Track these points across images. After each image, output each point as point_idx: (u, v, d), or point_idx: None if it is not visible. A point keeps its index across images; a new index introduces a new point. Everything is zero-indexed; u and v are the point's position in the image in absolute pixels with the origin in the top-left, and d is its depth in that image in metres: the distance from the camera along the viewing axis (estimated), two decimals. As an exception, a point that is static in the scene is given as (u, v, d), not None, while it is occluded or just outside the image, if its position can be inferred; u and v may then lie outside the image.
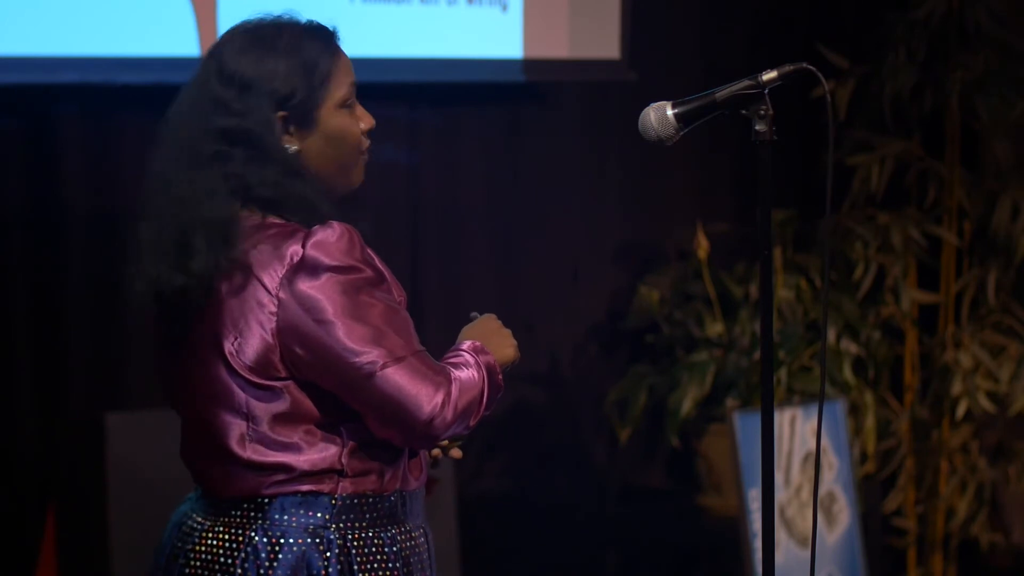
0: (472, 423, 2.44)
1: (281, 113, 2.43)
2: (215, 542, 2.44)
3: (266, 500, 2.42)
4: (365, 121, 2.52)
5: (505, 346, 2.56)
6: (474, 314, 2.63)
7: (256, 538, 2.41)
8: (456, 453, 2.67)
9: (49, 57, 3.96)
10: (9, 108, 4.11)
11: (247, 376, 2.39)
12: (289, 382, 2.39)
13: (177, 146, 2.44)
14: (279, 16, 2.49)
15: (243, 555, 2.41)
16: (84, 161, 4.20)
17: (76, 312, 4.19)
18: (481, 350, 2.49)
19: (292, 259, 2.36)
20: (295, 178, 2.42)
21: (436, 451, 2.66)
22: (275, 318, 2.36)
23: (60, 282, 4.18)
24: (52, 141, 4.16)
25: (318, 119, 2.45)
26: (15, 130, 4.14)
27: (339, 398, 2.39)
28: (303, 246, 2.36)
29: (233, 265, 2.38)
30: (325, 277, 2.35)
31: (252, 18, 2.49)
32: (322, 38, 2.48)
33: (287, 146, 2.44)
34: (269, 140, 2.42)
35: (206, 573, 2.44)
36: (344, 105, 2.47)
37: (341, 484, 2.42)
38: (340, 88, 2.47)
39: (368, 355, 2.34)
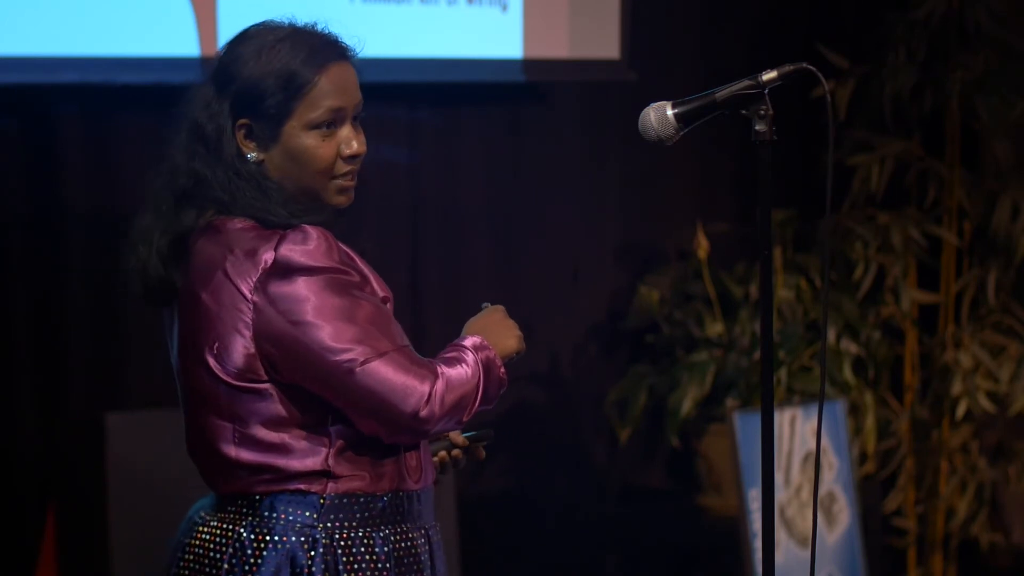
0: (465, 418, 2.44)
1: (243, 120, 2.42)
2: (208, 536, 2.46)
3: (257, 497, 2.43)
4: (350, 146, 2.45)
5: (507, 337, 2.55)
6: (485, 304, 2.62)
7: (244, 534, 2.43)
8: (480, 453, 2.67)
9: (49, 57, 3.96)
10: (9, 108, 4.11)
11: (230, 381, 2.40)
12: (273, 385, 2.40)
13: (176, 134, 2.47)
14: (295, 23, 2.46)
15: (231, 550, 2.43)
16: (84, 161, 4.20)
17: (76, 312, 4.19)
18: (481, 346, 2.49)
19: (266, 263, 2.36)
20: (246, 182, 2.41)
21: (456, 452, 2.65)
22: (252, 322, 2.37)
23: (60, 282, 4.18)
24: (52, 141, 4.16)
25: (280, 135, 2.42)
26: (15, 130, 4.14)
27: (324, 399, 2.40)
28: (275, 250, 2.36)
29: (184, 276, 2.42)
30: (298, 279, 2.36)
31: (274, 20, 2.47)
32: (312, 53, 2.42)
33: (249, 154, 2.42)
34: (222, 145, 2.41)
35: (197, 567, 2.46)
36: (315, 127, 2.42)
37: (330, 485, 2.43)
38: (313, 109, 2.41)
39: (348, 352, 2.34)
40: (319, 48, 2.44)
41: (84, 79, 4.03)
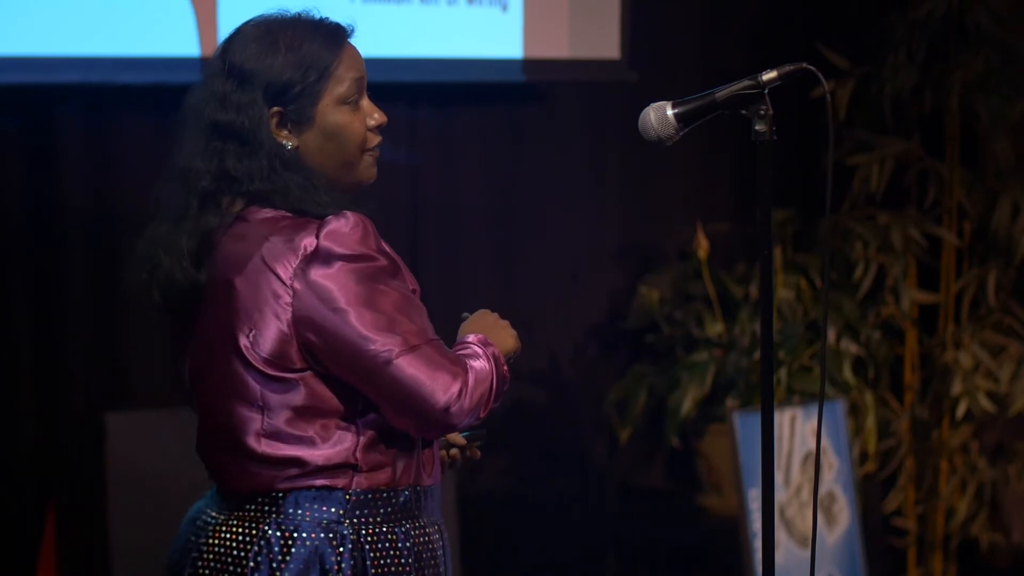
0: (483, 414, 2.45)
1: (276, 109, 2.44)
2: (229, 536, 2.45)
3: (280, 494, 2.43)
4: (373, 118, 2.51)
5: (506, 337, 2.57)
6: (465, 315, 2.64)
7: (270, 532, 2.42)
8: (475, 453, 2.68)
9: (49, 57, 3.96)
10: (9, 108, 4.11)
11: (262, 368, 2.39)
12: (305, 374, 2.40)
13: (185, 140, 2.46)
14: (290, 13, 2.50)
15: (256, 548, 2.42)
16: (84, 161, 4.20)
17: (76, 312, 4.19)
18: (486, 342, 2.50)
19: (306, 250, 2.37)
20: (287, 171, 2.43)
21: (455, 451, 2.66)
22: (290, 308, 2.37)
23: (60, 282, 4.18)
24: (52, 141, 4.16)
25: (315, 115, 2.45)
26: (15, 130, 4.14)
27: (354, 389, 2.40)
28: (316, 236, 2.37)
29: (211, 270, 2.41)
30: (339, 266, 2.37)
31: (266, 13, 2.50)
32: (327, 34, 2.48)
33: (284, 142, 2.45)
34: (260, 135, 2.42)
35: (219, 566, 2.44)
36: (345, 102, 2.47)
37: (356, 479, 2.43)
38: (340, 84, 2.46)
39: (384, 343, 2.35)
40: (330, 28, 2.50)
41: (84, 79, 4.03)
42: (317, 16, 2.51)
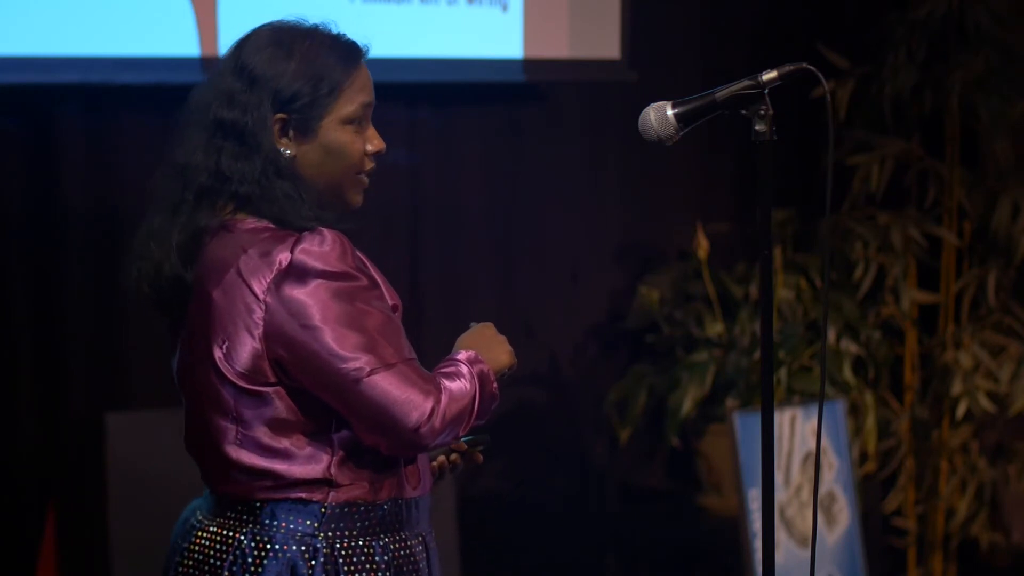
0: (461, 432, 2.44)
1: (280, 115, 2.43)
2: (207, 542, 2.45)
3: (258, 504, 2.42)
4: (373, 144, 2.50)
5: (500, 353, 2.55)
6: (472, 324, 2.63)
7: (244, 541, 2.42)
8: (478, 458, 2.67)
9: (49, 57, 3.96)
10: (9, 108, 4.11)
11: (236, 382, 2.39)
12: (279, 388, 2.39)
13: (187, 133, 2.46)
14: (308, 23, 2.49)
15: (231, 558, 2.42)
16: (84, 161, 4.20)
17: (76, 312, 4.19)
18: (475, 360, 2.49)
19: (280, 264, 2.36)
20: (280, 178, 2.42)
21: (455, 456, 2.65)
22: (262, 323, 2.36)
23: (60, 282, 4.18)
24: (52, 141, 4.16)
25: (318, 129, 2.45)
26: (15, 130, 4.15)
27: (328, 405, 2.39)
28: (291, 252, 2.36)
29: (197, 271, 2.41)
30: (313, 283, 2.35)
31: (286, 19, 2.49)
32: (343, 52, 2.47)
33: (282, 149, 2.44)
34: (261, 138, 2.42)
35: (196, 573, 2.45)
36: (349, 122, 2.46)
37: (332, 494, 2.42)
38: (348, 105, 2.45)
39: (355, 361, 2.34)
40: (349, 47, 2.49)
41: (84, 79, 4.03)
42: (335, 31, 2.50)
